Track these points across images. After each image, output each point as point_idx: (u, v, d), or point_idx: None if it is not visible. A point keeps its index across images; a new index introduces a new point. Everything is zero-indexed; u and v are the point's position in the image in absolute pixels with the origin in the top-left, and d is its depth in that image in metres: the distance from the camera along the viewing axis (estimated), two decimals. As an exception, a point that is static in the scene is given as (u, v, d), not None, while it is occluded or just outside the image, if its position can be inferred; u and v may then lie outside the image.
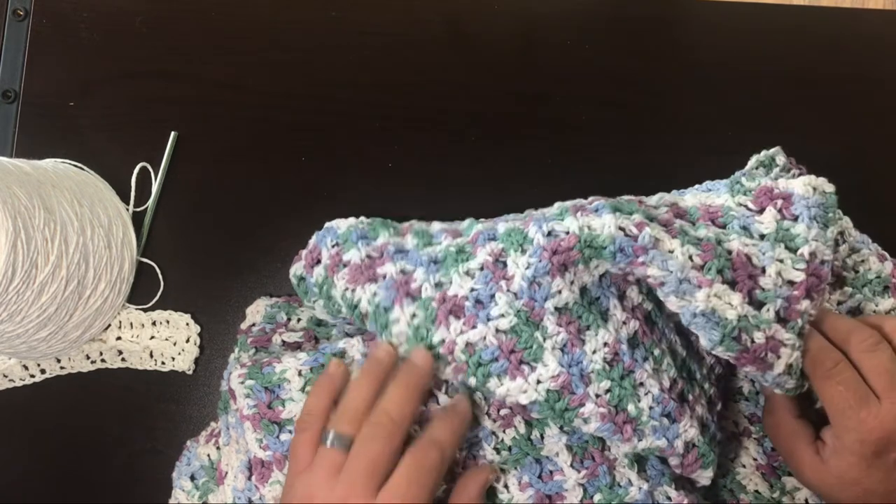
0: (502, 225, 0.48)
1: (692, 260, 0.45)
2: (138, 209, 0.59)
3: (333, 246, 0.50)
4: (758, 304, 0.46)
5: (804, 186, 0.48)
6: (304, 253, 0.53)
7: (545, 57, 0.61)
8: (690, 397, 0.49)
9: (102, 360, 0.58)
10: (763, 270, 0.46)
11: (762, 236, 0.47)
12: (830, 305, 0.52)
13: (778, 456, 0.53)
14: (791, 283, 0.46)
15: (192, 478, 0.54)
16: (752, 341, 0.44)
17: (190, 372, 0.59)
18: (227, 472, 0.51)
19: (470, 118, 0.61)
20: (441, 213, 0.57)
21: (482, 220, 0.53)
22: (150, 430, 0.59)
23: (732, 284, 0.45)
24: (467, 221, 0.53)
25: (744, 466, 0.54)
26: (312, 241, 0.53)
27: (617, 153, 0.60)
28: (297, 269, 0.54)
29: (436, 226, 0.53)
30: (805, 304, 0.46)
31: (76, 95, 0.60)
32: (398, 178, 0.60)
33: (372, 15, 0.62)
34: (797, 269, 0.46)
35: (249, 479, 0.48)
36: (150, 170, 0.60)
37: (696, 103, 0.61)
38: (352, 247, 0.49)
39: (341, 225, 0.51)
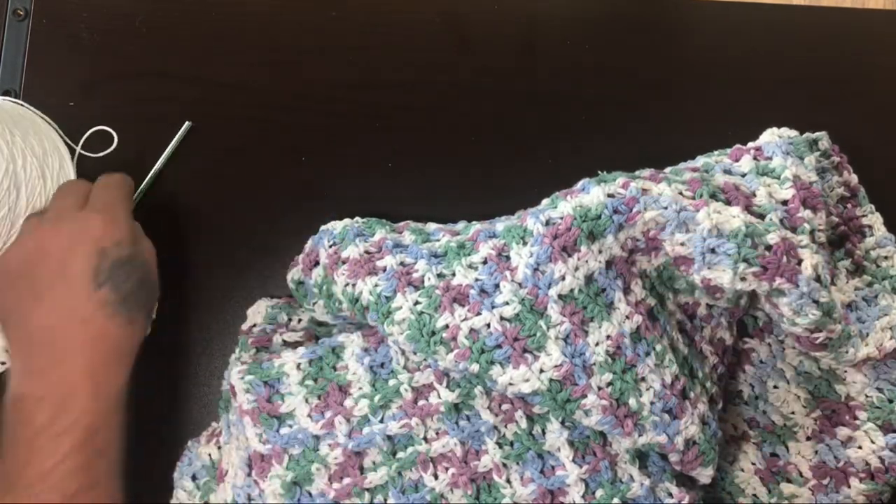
0: (500, 224, 0.49)
1: (682, 195, 0.47)
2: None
3: (331, 246, 0.51)
4: (759, 217, 0.47)
5: (770, 135, 0.52)
6: (300, 257, 0.54)
7: (545, 57, 0.61)
8: (692, 395, 0.49)
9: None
10: (753, 194, 0.48)
11: (743, 175, 0.50)
12: (848, 290, 0.53)
13: (777, 461, 0.53)
14: (784, 201, 0.48)
15: (194, 478, 0.54)
16: (769, 245, 0.45)
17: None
18: (227, 471, 0.51)
19: (470, 118, 0.61)
20: (441, 213, 0.58)
21: (475, 222, 0.53)
22: (150, 430, 0.58)
23: (727, 204, 0.47)
24: (462, 223, 0.53)
25: (742, 470, 0.54)
26: (309, 244, 0.53)
27: (617, 153, 0.60)
28: (294, 273, 0.54)
29: (431, 226, 0.53)
30: (806, 213, 0.47)
31: (76, 95, 0.60)
32: (398, 178, 0.60)
33: (372, 15, 0.62)
34: (785, 189, 0.48)
35: (249, 474, 0.49)
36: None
37: (696, 103, 0.61)
38: (349, 244, 0.50)
39: (337, 226, 0.52)
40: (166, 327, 0.59)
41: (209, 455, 0.54)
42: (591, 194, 0.47)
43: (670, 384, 0.48)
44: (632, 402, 0.46)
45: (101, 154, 0.59)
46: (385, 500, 0.48)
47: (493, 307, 0.46)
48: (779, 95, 0.61)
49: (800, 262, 0.46)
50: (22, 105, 0.59)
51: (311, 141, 0.61)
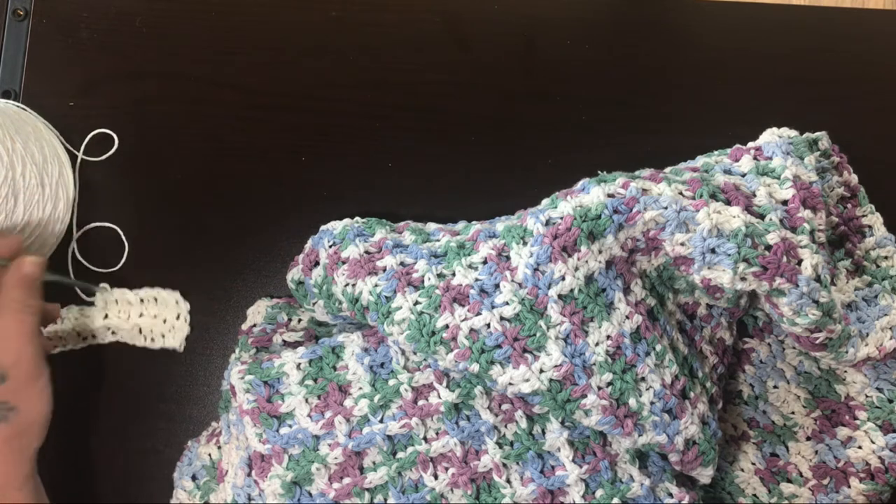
0: (500, 224, 0.49)
1: (682, 195, 0.47)
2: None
3: (331, 246, 0.51)
4: (759, 217, 0.47)
5: (770, 135, 0.52)
6: (300, 257, 0.54)
7: (545, 57, 0.61)
8: (692, 395, 0.49)
9: (93, 337, 0.58)
10: (753, 194, 0.48)
11: (743, 175, 0.50)
12: (848, 290, 0.53)
13: (777, 461, 0.53)
14: (784, 201, 0.48)
15: (194, 478, 0.54)
16: (769, 244, 0.45)
17: (181, 349, 0.58)
18: (227, 471, 0.51)
19: (470, 118, 0.61)
20: (441, 212, 0.58)
21: (475, 222, 0.53)
22: (149, 430, 0.59)
23: (727, 204, 0.47)
24: (461, 223, 0.53)
25: (742, 470, 0.54)
26: (308, 244, 0.53)
27: (617, 153, 0.60)
28: (294, 273, 0.54)
29: (431, 226, 0.53)
30: (806, 213, 0.47)
31: (76, 95, 0.60)
32: (398, 178, 0.60)
33: (372, 15, 0.62)
34: (785, 189, 0.48)
35: (249, 475, 0.48)
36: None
37: (695, 103, 0.61)
38: (349, 244, 0.50)
39: (337, 226, 0.52)
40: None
41: (209, 455, 0.54)
42: (591, 194, 0.47)
43: (670, 384, 0.48)
44: (632, 402, 0.46)
45: (101, 157, 0.60)
46: (385, 500, 0.48)
47: (493, 307, 0.46)
48: (779, 95, 0.61)
49: (800, 262, 0.46)
50: (25, 109, 0.59)
51: (311, 141, 0.61)
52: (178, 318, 0.58)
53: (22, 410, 0.49)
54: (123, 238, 0.59)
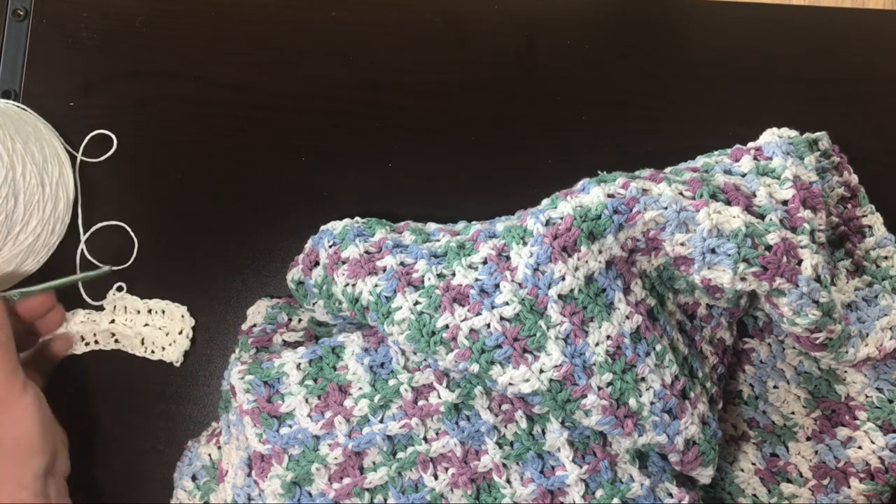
0: (500, 224, 0.49)
1: (682, 195, 0.47)
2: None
3: (331, 246, 0.51)
4: (759, 217, 0.47)
5: (770, 135, 0.52)
6: (300, 257, 0.54)
7: (545, 57, 0.61)
8: (692, 395, 0.49)
9: (96, 342, 0.58)
10: (753, 194, 0.48)
11: (743, 175, 0.50)
12: (848, 290, 0.53)
13: (777, 461, 0.53)
14: (784, 202, 0.48)
15: (194, 478, 0.54)
16: (769, 245, 0.45)
17: (178, 364, 0.58)
18: (227, 471, 0.51)
19: (469, 118, 0.61)
20: (441, 212, 0.58)
21: (475, 222, 0.53)
22: (149, 430, 0.59)
23: (727, 204, 0.47)
24: (461, 223, 0.54)
25: (742, 471, 0.54)
26: (308, 244, 0.53)
27: (617, 153, 0.60)
28: (294, 273, 0.54)
29: (431, 226, 0.53)
30: (806, 213, 0.47)
31: (76, 95, 0.60)
32: (398, 178, 0.60)
33: (372, 15, 0.62)
34: (785, 189, 0.48)
35: (249, 475, 0.49)
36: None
37: (695, 103, 0.61)
38: (349, 244, 0.50)
39: (337, 226, 0.52)
40: (166, 327, 0.59)
41: (209, 455, 0.54)
42: (591, 194, 0.47)
43: (670, 384, 0.48)
44: (632, 402, 0.46)
45: (101, 158, 0.59)
46: (385, 500, 0.48)
47: (493, 307, 0.46)
48: (779, 95, 0.61)
49: (800, 262, 0.46)
50: (25, 109, 0.59)
51: (311, 141, 0.61)
52: (180, 332, 0.59)
53: (2, 433, 0.50)
54: (133, 235, 0.59)
